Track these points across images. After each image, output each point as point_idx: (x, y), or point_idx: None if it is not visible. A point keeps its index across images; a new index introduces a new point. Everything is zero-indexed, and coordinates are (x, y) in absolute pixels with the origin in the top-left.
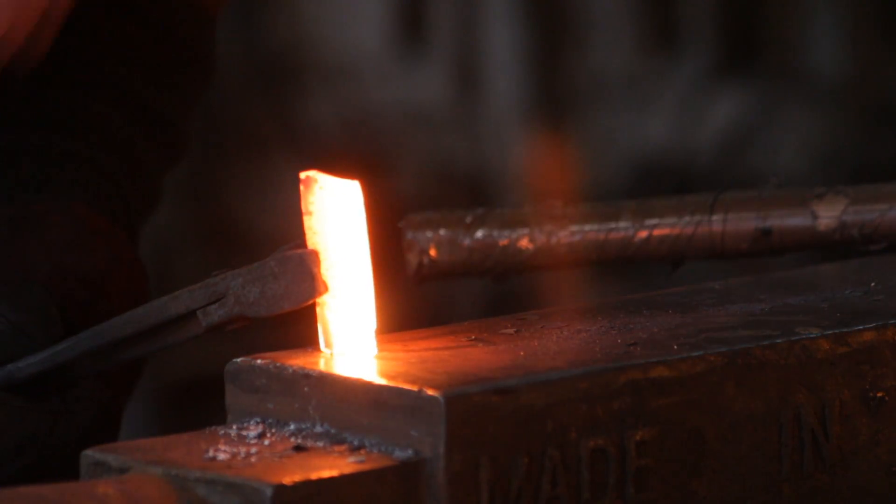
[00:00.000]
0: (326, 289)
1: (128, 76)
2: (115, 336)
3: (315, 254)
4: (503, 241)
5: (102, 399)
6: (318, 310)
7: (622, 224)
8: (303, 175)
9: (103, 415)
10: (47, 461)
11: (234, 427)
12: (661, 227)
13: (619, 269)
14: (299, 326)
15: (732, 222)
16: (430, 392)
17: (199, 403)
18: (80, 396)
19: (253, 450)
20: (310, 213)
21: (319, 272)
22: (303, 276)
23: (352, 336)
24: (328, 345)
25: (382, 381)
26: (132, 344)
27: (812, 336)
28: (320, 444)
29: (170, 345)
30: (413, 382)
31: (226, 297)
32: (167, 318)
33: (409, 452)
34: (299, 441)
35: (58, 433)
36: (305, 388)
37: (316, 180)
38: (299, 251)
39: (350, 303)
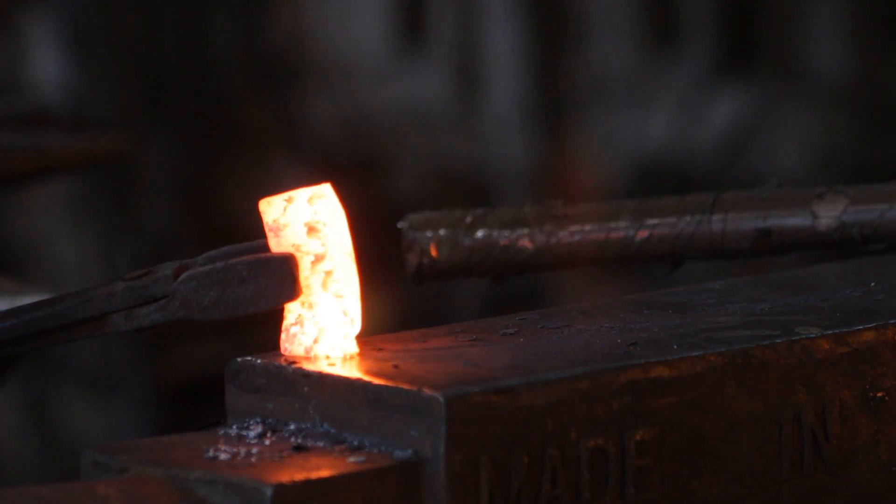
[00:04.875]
0: (302, 293)
1: None
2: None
3: (294, 258)
4: (503, 241)
5: None
6: (288, 313)
7: (622, 224)
8: (263, 202)
9: None
10: None
11: (235, 427)
12: (661, 227)
13: (619, 269)
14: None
15: (732, 222)
16: (430, 392)
17: (199, 403)
18: None
19: (253, 450)
20: (278, 229)
21: (299, 276)
22: (281, 279)
23: (333, 339)
24: (296, 350)
25: (382, 381)
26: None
27: (812, 336)
28: (320, 444)
29: (76, 340)
30: (413, 382)
31: (169, 300)
32: (75, 320)
33: (409, 452)
34: (299, 441)
35: None
36: (305, 388)
37: (278, 200)
38: (278, 255)
39: (335, 306)
